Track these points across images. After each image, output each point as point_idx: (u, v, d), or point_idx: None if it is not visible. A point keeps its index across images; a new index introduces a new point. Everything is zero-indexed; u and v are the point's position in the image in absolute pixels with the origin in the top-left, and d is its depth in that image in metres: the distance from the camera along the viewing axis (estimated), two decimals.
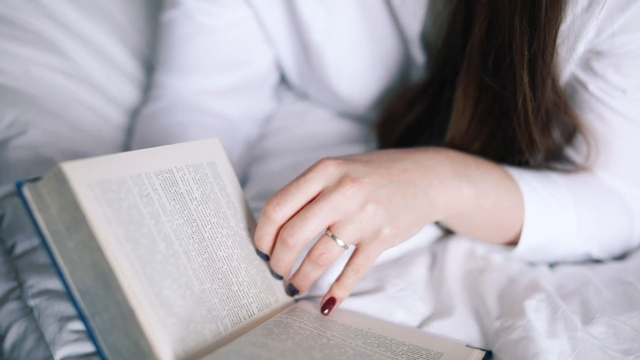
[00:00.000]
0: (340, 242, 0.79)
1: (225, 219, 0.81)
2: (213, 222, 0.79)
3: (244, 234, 0.83)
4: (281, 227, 0.80)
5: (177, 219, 0.75)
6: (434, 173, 0.86)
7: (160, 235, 0.73)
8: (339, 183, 0.79)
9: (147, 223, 0.72)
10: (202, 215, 0.79)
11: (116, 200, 0.69)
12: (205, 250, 0.77)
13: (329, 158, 0.81)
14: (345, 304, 0.87)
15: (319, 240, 0.80)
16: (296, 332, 0.78)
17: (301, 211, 0.79)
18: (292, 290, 0.84)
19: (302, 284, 0.83)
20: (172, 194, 0.76)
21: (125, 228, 0.69)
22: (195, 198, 0.79)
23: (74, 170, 0.66)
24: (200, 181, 0.80)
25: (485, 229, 0.95)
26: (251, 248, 0.83)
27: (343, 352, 0.75)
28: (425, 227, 0.91)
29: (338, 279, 0.83)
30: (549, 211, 0.95)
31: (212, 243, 0.78)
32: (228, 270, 0.79)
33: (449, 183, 0.87)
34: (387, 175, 0.83)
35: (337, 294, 0.83)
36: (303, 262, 0.81)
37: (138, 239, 0.70)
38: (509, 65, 0.89)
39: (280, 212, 0.79)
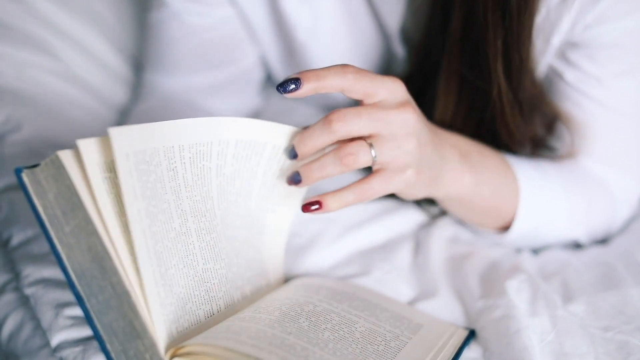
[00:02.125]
0: (372, 153, 0.77)
1: (248, 198, 0.82)
2: (230, 200, 0.80)
3: (259, 215, 0.84)
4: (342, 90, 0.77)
5: (196, 195, 0.76)
6: (443, 152, 0.86)
7: (178, 211, 0.73)
8: (401, 104, 0.78)
9: (168, 199, 0.73)
10: (221, 192, 0.79)
11: (145, 172, 0.70)
12: (214, 229, 0.78)
13: (399, 79, 0.80)
14: None
15: (353, 141, 0.77)
16: (283, 302, 0.79)
17: (357, 108, 0.77)
18: (295, 179, 0.79)
19: (312, 174, 0.77)
20: (199, 168, 0.75)
21: (148, 203, 0.70)
22: (224, 174, 0.78)
23: (70, 158, 0.68)
24: (244, 158, 0.79)
25: (481, 213, 0.96)
26: (255, 230, 0.84)
27: (329, 319, 0.77)
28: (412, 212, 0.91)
29: (337, 190, 0.79)
30: (541, 198, 0.96)
31: (222, 222, 0.79)
32: (231, 250, 0.80)
33: (454, 164, 0.87)
34: (428, 133, 0.82)
35: (328, 201, 0.78)
36: (325, 154, 0.77)
37: (157, 215, 0.71)
38: (484, 58, 0.91)
39: (356, 79, 0.76)
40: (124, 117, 1.26)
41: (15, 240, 0.92)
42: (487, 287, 0.91)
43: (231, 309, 0.79)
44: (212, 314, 0.76)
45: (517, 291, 0.88)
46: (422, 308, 0.88)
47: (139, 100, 1.22)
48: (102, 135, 1.08)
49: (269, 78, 1.34)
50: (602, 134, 1.00)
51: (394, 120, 0.77)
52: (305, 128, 0.78)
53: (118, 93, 1.30)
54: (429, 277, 0.93)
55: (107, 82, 1.29)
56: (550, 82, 0.99)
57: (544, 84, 1.00)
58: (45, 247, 0.89)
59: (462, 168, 0.89)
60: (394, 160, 0.78)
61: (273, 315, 0.75)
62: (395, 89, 0.78)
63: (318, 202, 0.78)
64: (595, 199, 1.01)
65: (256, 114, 1.29)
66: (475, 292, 0.91)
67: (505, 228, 0.98)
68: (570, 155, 1.02)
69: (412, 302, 0.90)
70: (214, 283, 0.77)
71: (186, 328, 0.72)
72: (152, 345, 0.69)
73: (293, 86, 0.75)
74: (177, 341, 0.71)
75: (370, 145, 0.76)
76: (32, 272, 0.86)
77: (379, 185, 0.79)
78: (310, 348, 0.68)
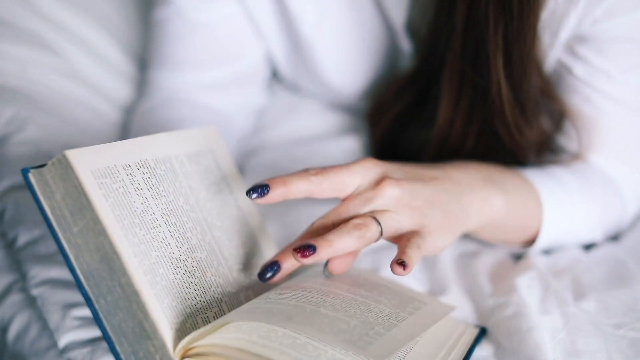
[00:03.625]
0: (378, 224, 0.77)
1: (227, 204, 0.82)
2: (215, 207, 0.81)
3: (245, 219, 0.84)
4: (310, 194, 0.78)
5: (183, 204, 0.77)
6: (464, 182, 0.86)
7: (163, 219, 0.74)
8: (378, 182, 0.79)
9: (152, 208, 0.73)
10: (204, 201, 0.80)
11: (120, 187, 0.71)
12: (207, 240, 0.78)
13: (370, 159, 0.81)
14: None
15: (359, 216, 0.77)
16: (297, 297, 0.77)
17: (342, 203, 0.79)
18: (310, 249, 0.73)
19: (324, 245, 0.74)
20: (173, 180, 0.77)
21: (130, 214, 0.70)
22: (197, 184, 0.80)
23: (77, 158, 0.68)
24: (201, 167, 0.81)
25: (511, 233, 0.95)
26: (247, 234, 0.84)
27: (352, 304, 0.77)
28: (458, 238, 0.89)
29: (400, 250, 0.76)
30: (562, 208, 0.95)
31: (214, 229, 0.79)
32: (228, 254, 0.80)
33: (480, 191, 0.87)
34: (422, 180, 0.83)
35: (404, 258, 0.75)
36: (332, 230, 0.75)
37: (138, 225, 0.71)
38: (485, 54, 0.90)
39: (320, 180, 0.78)
40: (128, 115, 1.25)
41: (22, 240, 0.91)
42: (498, 284, 0.91)
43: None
44: (220, 314, 0.76)
45: (527, 288, 0.87)
46: None
47: (143, 98, 1.22)
48: (104, 135, 1.08)
49: (274, 75, 1.34)
50: (611, 130, 0.99)
51: (379, 201, 0.78)
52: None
53: (123, 91, 1.29)
54: (438, 275, 0.93)
55: (112, 81, 1.28)
56: (559, 76, 0.99)
57: (553, 78, 0.99)
58: (51, 247, 0.89)
59: (489, 192, 0.88)
60: (400, 227, 0.79)
61: (285, 310, 0.72)
62: (366, 171, 0.80)
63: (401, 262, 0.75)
64: (609, 199, 1.01)
65: (262, 111, 1.29)
66: (485, 289, 0.90)
67: (528, 241, 0.97)
68: (578, 156, 1.02)
69: None
70: (218, 291, 0.77)
71: (195, 328, 0.72)
72: (162, 346, 0.68)
73: (259, 193, 0.76)
74: (187, 342, 0.70)
75: (374, 218, 0.77)
76: (38, 273, 0.86)
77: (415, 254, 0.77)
78: (321, 347, 0.68)
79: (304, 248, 0.73)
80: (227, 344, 0.67)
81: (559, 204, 0.95)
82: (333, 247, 0.74)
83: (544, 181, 0.96)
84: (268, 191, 0.76)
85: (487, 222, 0.88)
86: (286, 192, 0.77)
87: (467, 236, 1.00)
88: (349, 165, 0.80)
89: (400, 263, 0.74)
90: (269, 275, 0.77)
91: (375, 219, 0.77)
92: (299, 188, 0.77)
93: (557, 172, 0.99)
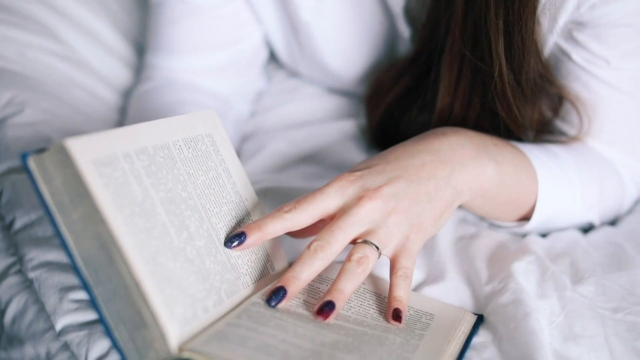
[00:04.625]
0: (374, 245, 0.79)
1: (225, 190, 0.82)
2: (213, 193, 0.80)
3: (242, 205, 0.84)
4: (289, 232, 0.82)
5: (181, 192, 0.76)
6: (454, 158, 0.86)
7: (163, 207, 0.73)
8: (358, 198, 0.80)
9: (152, 196, 0.73)
10: (202, 187, 0.79)
11: (120, 175, 0.70)
12: (206, 227, 0.78)
13: (344, 175, 0.82)
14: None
15: (353, 248, 0.79)
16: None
17: (327, 226, 0.79)
18: (328, 308, 0.76)
19: (339, 296, 0.76)
20: (172, 168, 0.76)
21: (130, 203, 0.70)
22: (195, 170, 0.79)
23: (78, 147, 0.67)
24: (199, 153, 0.81)
25: (505, 206, 0.95)
26: (247, 218, 0.84)
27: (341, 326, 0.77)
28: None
29: (391, 294, 0.80)
30: (558, 183, 0.95)
31: (211, 215, 0.79)
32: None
33: (471, 164, 0.87)
34: (406, 176, 0.83)
35: (398, 305, 0.79)
36: (338, 276, 0.78)
37: (138, 214, 0.71)
38: (486, 38, 0.90)
39: (294, 216, 0.79)
40: (126, 99, 1.25)
41: (19, 223, 0.91)
42: (495, 269, 0.90)
43: (236, 299, 0.78)
44: (220, 303, 0.76)
45: (524, 273, 0.87)
46: (431, 292, 0.88)
47: (140, 82, 1.22)
48: (104, 119, 1.08)
49: (272, 59, 1.33)
50: (609, 115, 0.99)
51: (363, 215, 0.80)
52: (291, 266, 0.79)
53: (121, 75, 1.29)
54: (436, 260, 0.92)
55: (110, 65, 1.29)
56: (558, 61, 0.98)
57: (552, 63, 0.98)
58: (49, 230, 0.89)
59: (481, 162, 0.88)
60: (393, 238, 0.81)
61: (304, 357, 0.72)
62: (342, 190, 0.81)
63: (397, 311, 0.79)
64: (606, 180, 1.00)
65: (259, 95, 1.29)
66: (482, 275, 0.90)
67: (523, 218, 0.97)
68: (577, 138, 1.01)
69: (420, 285, 0.89)
70: (216, 278, 0.76)
71: (196, 318, 0.72)
72: (161, 336, 0.68)
73: (237, 241, 0.78)
74: (187, 332, 0.70)
75: (366, 241, 0.79)
76: (36, 256, 0.86)
77: (406, 261, 0.81)
78: None
79: (325, 310, 0.76)
80: (221, 354, 0.67)
81: (555, 179, 0.95)
82: (347, 294, 0.77)
83: (540, 156, 0.96)
84: (245, 238, 0.78)
85: (479, 192, 0.89)
86: (263, 236, 0.79)
87: (466, 220, 1.00)
88: (322, 190, 0.81)
89: (395, 317, 0.79)
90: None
91: (369, 242, 0.79)
92: (275, 228, 0.79)
93: (554, 149, 0.99)
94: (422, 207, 0.82)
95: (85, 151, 0.68)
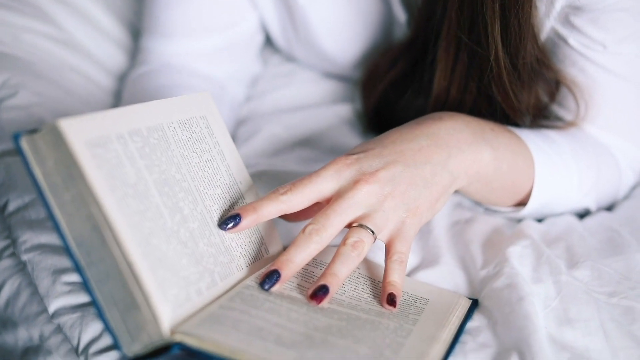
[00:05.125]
0: (370, 230, 0.79)
1: (219, 173, 0.82)
2: (206, 176, 0.80)
3: (236, 187, 0.84)
4: (283, 216, 0.82)
5: (175, 174, 0.76)
6: (451, 143, 0.86)
7: (156, 189, 0.73)
8: (355, 182, 0.80)
9: (145, 178, 0.72)
10: (196, 169, 0.79)
11: (113, 156, 0.70)
12: (199, 209, 0.77)
13: (341, 158, 0.82)
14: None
15: (349, 232, 0.79)
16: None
17: (322, 209, 0.79)
18: (323, 292, 0.76)
19: (333, 281, 0.76)
20: (166, 149, 0.76)
21: (123, 185, 0.70)
22: (189, 152, 0.79)
23: (70, 127, 0.67)
24: (194, 135, 0.80)
25: (501, 191, 0.94)
26: (241, 201, 0.84)
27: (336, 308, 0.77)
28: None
29: (385, 278, 0.80)
30: (555, 169, 0.95)
31: (205, 198, 0.79)
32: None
33: (468, 149, 0.87)
34: (403, 160, 0.83)
35: (393, 290, 0.79)
36: (332, 260, 0.78)
37: (132, 196, 0.70)
38: (482, 22, 0.90)
39: (290, 198, 0.79)
40: (122, 83, 1.25)
41: (12, 206, 0.91)
42: (490, 254, 0.90)
43: (229, 281, 0.78)
44: (213, 285, 0.75)
45: (520, 257, 0.87)
46: (425, 276, 0.88)
47: (135, 66, 1.21)
48: (99, 103, 1.08)
49: (268, 44, 1.33)
50: (606, 100, 0.99)
51: (359, 199, 0.79)
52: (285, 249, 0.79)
53: (117, 59, 1.29)
54: (432, 244, 0.92)
55: (106, 49, 1.29)
56: (554, 46, 0.98)
57: (549, 47, 0.98)
58: (42, 212, 0.88)
59: (478, 147, 0.88)
60: (389, 223, 0.81)
61: (297, 342, 0.71)
62: (338, 173, 0.81)
63: (391, 296, 0.79)
64: (603, 166, 1.00)
65: (255, 79, 1.29)
66: (478, 259, 0.90)
67: (520, 204, 0.97)
68: (573, 123, 1.01)
69: (415, 270, 0.89)
70: (210, 260, 0.76)
71: (189, 301, 0.71)
72: (153, 318, 0.68)
73: (232, 223, 0.78)
74: (179, 315, 0.70)
75: (361, 225, 0.78)
76: (29, 238, 0.85)
77: (402, 245, 0.81)
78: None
79: (319, 294, 0.76)
80: (210, 335, 0.67)
81: (552, 165, 0.95)
82: (341, 278, 0.77)
83: (536, 141, 0.95)
84: (240, 220, 0.78)
85: (475, 178, 0.89)
86: (258, 218, 0.78)
87: (461, 204, 1.00)
88: (318, 172, 0.81)
89: (390, 302, 0.79)
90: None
91: (364, 226, 0.79)
92: (270, 210, 0.79)
93: (551, 135, 0.99)
94: (419, 192, 0.82)
95: (78, 132, 0.67)
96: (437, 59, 0.98)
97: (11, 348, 0.82)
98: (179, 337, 0.67)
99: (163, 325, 0.68)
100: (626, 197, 1.06)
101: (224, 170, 0.83)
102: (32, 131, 0.68)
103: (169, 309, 0.69)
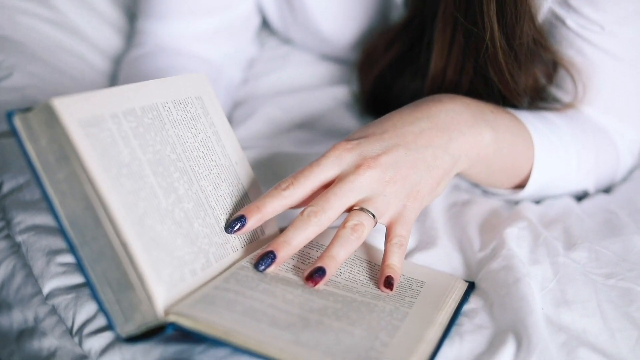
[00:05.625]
0: (370, 214, 0.78)
1: (214, 153, 0.82)
2: (202, 156, 0.80)
3: (232, 168, 0.84)
4: (289, 207, 0.80)
5: (170, 154, 0.76)
6: (452, 126, 0.85)
7: (150, 169, 0.73)
8: (357, 166, 0.79)
9: (139, 158, 0.72)
10: (191, 149, 0.79)
11: (107, 136, 0.69)
12: (194, 190, 0.77)
13: (341, 144, 0.81)
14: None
15: (349, 215, 0.78)
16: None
17: (322, 192, 0.79)
18: (319, 274, 0.76)
19: (331, 263, 0.76)
20: (160, 129, 0.76)
21: (117, 164, 0.69)
22: (184, 132, 0.78)
23: (64, 106, 0.66)
24: (189, 115, 0.80)
25: (501, 173, 0.94)
26: (237, 182, 0.83)
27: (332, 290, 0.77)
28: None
29: (384, 261, 0.80)
30: (554, 150, 0.95)
31: (200, 178, 0.78)
32: (214, 204, 0.79)
33: (468, 131, 0.86)
34: (404, 144, 0.82)
35: (391, 273, 0.79)
36: (331, 242, 0.77)
37: (126, 176, 0.70)
38: (478, 1, 0.89)
39: (292, 193, 0.78)
40: (117, 65, 1.24)
41: (7, 187, 0.90)
42: (488, 236, 0.90)
43: (224, 262, 0.78)
44: (208, 266, 0.75)
45: (517, 239, 0.87)
46: (422, 258, 0.87)
47: (131, 48, 1.21)
48: (94, 85, 1.07)
49: (264, 26, 1.32)
50: (604, 82, 0.98)
51: (361, 183, 0.79)
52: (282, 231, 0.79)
53: (112, 42, 1.29)
54: (429, 226, 0.92)
55: (102, 31, 1.28)
56: (552, 27, 0.98)
57: (546, 28, 0.98)
58: (36, 194, 0.88)
59: (479, 129, 0.87)
60: (390, 207, 0.80)
61: (292, 324, 0.71)
62: (340, 159, 0.81)
63: (389, 279, 0.79)
64: (601, 148, 1.00)
65: (251, 61, 1.28)
66: (475, 241, 0.90)
67: (518, 186, 0.97)
68: (571, 105, 1.01)
69: (412, 252, 0.89)
70: (204, 240, 0.76)
71: (183, 281, 0.71)
72: (147, 298, 0.67)
73: (238, 225, 0.78)
74: (173, 295, 0.69)
75: (362, 209, 0.78)
76: (23, 219, 0.85)
77: (403, 228, 0.81)
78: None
79: (315, 276, 0.75)
80: (202, 316, 0.67)
81: (551, 146, 0.94)
82: (339, 261, 0.76)
83: (535, 123, 0.95)
84: (245, 221, 0.78)
85: (476, 160, 0.88)
86: (263, 217, 0.78)
87: (459, 186, 0.99)
88: (318, 161, 0.80)
89: (387, 285, 0.78)
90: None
91: (365, 210, 0.78)
92: (274, 207, 0.78)
93: (550, 116, 0.98)
94: (420, 176, 0.82)
95: (71, 111, 0.67)
96: (433, 39, 0.97)
97: (6, 331, 0.82)
98: (173, 318, 0.67)
99: (157, 306, 0.67)
100: (624, 179, 1.06)
101: (219, 151, 0.82)
102: (26, 110, 0.68)
103: (163, 289, 0.68)
